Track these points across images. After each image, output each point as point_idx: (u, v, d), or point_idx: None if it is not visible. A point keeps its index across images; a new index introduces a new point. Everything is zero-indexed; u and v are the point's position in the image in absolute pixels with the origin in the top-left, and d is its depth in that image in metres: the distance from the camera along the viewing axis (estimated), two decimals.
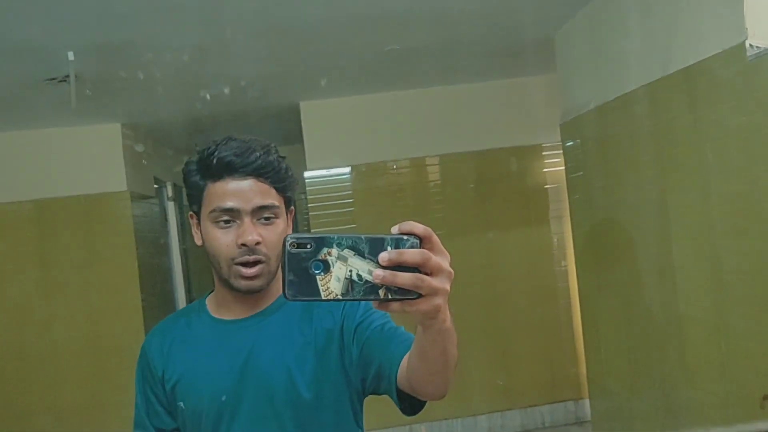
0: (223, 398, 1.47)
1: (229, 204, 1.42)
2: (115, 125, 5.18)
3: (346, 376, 1.48)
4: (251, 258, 1.42)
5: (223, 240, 1.43)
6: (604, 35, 3.52)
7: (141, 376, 1.60)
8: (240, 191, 1.42)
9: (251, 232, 1.41)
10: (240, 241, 1.42)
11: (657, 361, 3.27)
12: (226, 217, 1.43)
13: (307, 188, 5.28)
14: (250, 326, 1.51)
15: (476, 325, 5.21)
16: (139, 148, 5.61)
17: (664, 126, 2.98)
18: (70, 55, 3.33)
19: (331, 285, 0.86)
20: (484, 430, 5.27)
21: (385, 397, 1.41)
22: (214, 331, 1.53)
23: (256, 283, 1.45)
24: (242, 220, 1.43)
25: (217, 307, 1.56)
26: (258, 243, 1.42)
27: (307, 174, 5.25)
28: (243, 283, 1.45)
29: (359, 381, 1.48)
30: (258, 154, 1.44)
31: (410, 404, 1.35)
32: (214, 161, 1.43)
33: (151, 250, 5.71)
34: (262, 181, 1.44)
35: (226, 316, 1.54)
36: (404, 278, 0.86)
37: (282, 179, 1.47)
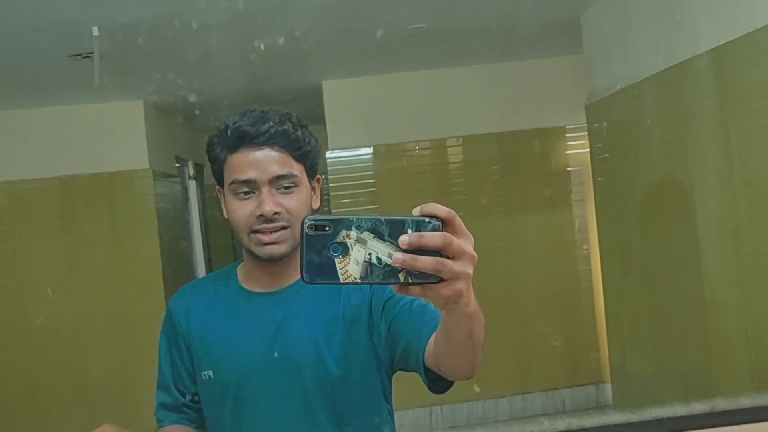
0: (252, 371, 1.46)
1: (246, 175, 1.42)
2: (138, 103, 5.18)
3: (375, 352, 1.47)
4: (269, 226, 1.42)
5: (241, 211, 1.43)
6: (631, 15, 3.47)
7: (165, 338, 1.59)
8: (256, 161, 1.42)
9: (268, 202, 1.41)
10: (258, 212, 1.41)
11: (680, 346, 3.24)
12: (245, 189, 1.43)
13: (329, 168, 5.26)
14: (280, 300, 1.50)
15: (497, 307, 5.18)
16: (162, 126, 5.62)
17: (691, 108, 2.93)
18: (95, 31, 3.32)
19: (350, 268, 0.84)
20: (504, 413, 5.26)
21: (406, 378, 1.40)
22: (244, 303, 1.52)
23: (277, 249, 1.44)
24: (260, 190, 1.42)
25: (246, 277, 1.55)
26: (276, 213, 1.41)
27: (328, 154, 5.24)
28: (263, 249, 1.44)
29: (388, 357, 1.47)
30: (271, 123, 1.43)
31: (438, 383, 1.34)
32: (229, 132, 1.43)
33: (172, 228, 5.74)
34: (278, 150, 1.43)
35: (256, 288, 1.53)
36: (425, 262, 0.83)
37: (298, 147, 1.45)
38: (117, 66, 4.02)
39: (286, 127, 1.45)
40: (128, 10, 3.22)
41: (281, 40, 4.07)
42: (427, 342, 1.29)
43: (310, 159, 1.49)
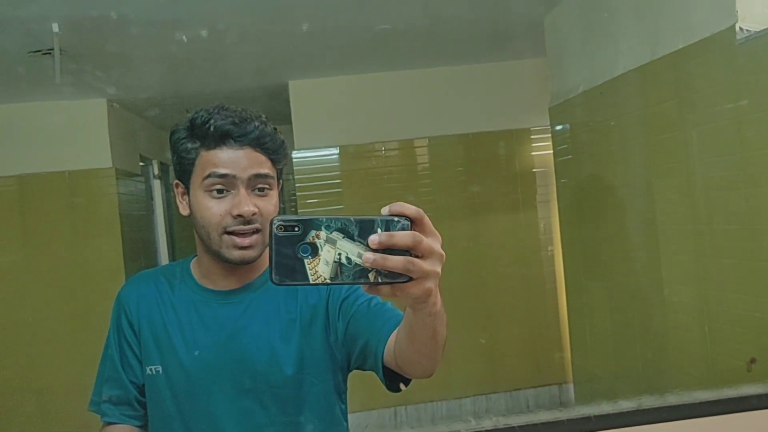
0: (202, 371, 1.45)
1: (225, 170, 1.39)
2: (100, 101, 5.11)
3: (331, 352, 1.46)
4: (247, 228, 1.40)
5: (216, 209, 1.40)
6: (593, 19, 3.50)
7: (116, 328, 1.54)
8: (236, 159, 1.40)
9: (247, 202, 1.39)
10: (236, 212, 1.38)
11: (641, 347, 3.28)
12: (219, 186, 1.39)
13: (295, 168, 5.24)
14: (236, 300, 1.48)
15: (462, 308, 5.21)
16: (125, 124, 5.56)
17: (653, 110, 2.97)
18: (55, 27, 3.27)
19: (320, 268, 0.84)
20: (468, 413, 5.28)
21: (372, 378, 1.39)
22: (199, 300, 1.50)
23: (250, 253, 1.42)
24: (237, 189, 1.39)
25: (201, 275, 1.52)
26: (254, 214, 1.39)
27: (295, 154, 5.22)
28: (236, 253, 1.41)
29: (344, 357, 1.46)
30: (256, 123, 1.42)
31: (395, 381, 1.34)
32: (211, 128, 1.40)
33: (135, 228, 5.68)
34: (258, 151, 1.42)
35: (212, 286, 1.51)
36: (395, 261, 0.83)
37: (277, 150, 1.45)
38: (79, 63, 3.97)
39: (268, 129, 1.44)
40: (90, 6, 3.18)
41: (249, 42, 4.05)
42: (387, 341, 1.29)
43: (283, 164, 1.49)
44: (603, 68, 3.38)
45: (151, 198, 6.47)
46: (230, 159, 1.39)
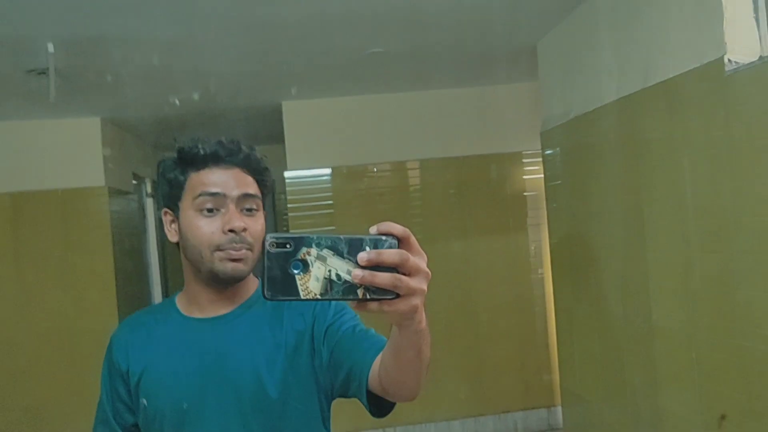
0: (189, 398, 1.46)
1: (215, 189, 1.44)
2: (94, 119, 5.14)
3: (316, 379, 1.48)
4: (237, 244, 1.43)
5: (207, 228, 1.43)
6: (585, 46, 3.55)
7: (107, 371, 1.58)
8: (225, 179, 1.45)
9: (237, 219, 1.43)
10: (228, 227, 1.42)
11: (629, 370, 3.30)
12: (209, 205, 1.43)
13: (287, 188, 5.27)
14: (221, 325, 1.50)
15: (451, 329, 5.22)
16: (119, 143, 5.57)
17: (642, 138, 3.01)
18: (50, 47, 3.30)
19: (310, 285, 0.87)
20: None
21: (356, 400, 1.40)
22: (183, 329, 1.52)
23: (241, 266, 1.44)
24: (227, 207, 1.44)
25: (187, 305, 1.55)
26: (244, 230, 1.43)
27: (287, 174, 5.24)
28: (230, 266, 1.43)
29: (329, 383, 1.47)
30: (243, 147, 1.49)
31: (379, 406, 1.35)
32: (200, 152, 1.46)
33: (128, 245, 5.68)
34: (245, 172, 1.48)
35: (196, 314, 1.53)
36: (383, 278, 0.87)
37: (263, 173, 1.51)
38: (74, 82, 3.99)
39: (255, 153, 1.51)
40: (85, 26, 3.21)
41: (242, 62, 4.09)
42: (371, 366, 1.31)
43: (267, 191, 1.53)
44: (595, 94, 3.42)
45: (144, 216, 6.47)
46: (219, 179, 1.45)
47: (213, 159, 1.46)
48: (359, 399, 1.37)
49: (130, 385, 1.53)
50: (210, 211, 1.44)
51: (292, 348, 1.47)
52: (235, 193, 1.44)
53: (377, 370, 1.28)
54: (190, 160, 1.47)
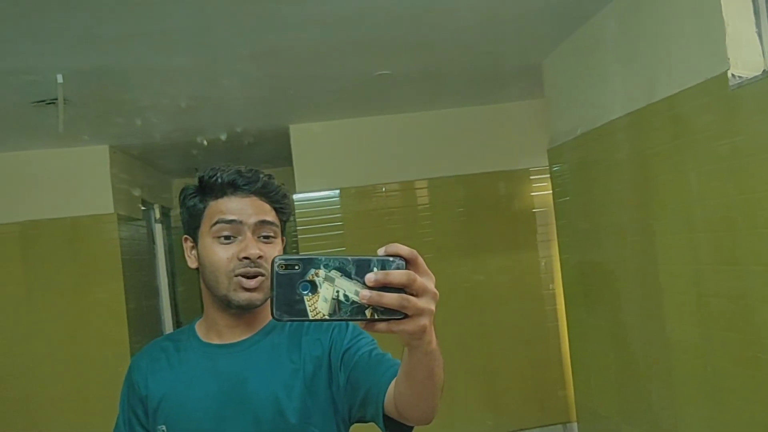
0: (208, 423, 1.46)
1: (232, 216, 1.45)
2: (103, 147, 5.17)
3: (334, 403, 1.47)
4: (252, 270, 1.44)
5: (223, 255, 1.45)
6: (590, 63, 3.56)
7: (126, 397, 1.58)
8: (243, 207, 1.47)
9: (253, 246, 1.44)
10: (243, 255, 1.43)
11: (645, 385, 3.28)
12: (227, 232, 1.45)
13: (297, 210, 5.27)
14: (240, 351, 1.51)
15: (464, 347, 5.20)
16: (127, 170, 5.60)
17: (649, 153, 3.01)
18: (59, 78, 3.33)
19: (319, 305, 0.87)
20: None
21: (373, 425, 1.40)
22: (203, 356, 1.53)
23: (256, 296, 1.46)
24: (244, 234, 1.45)
25: (206, 331, 1.56)
26: (260, 257, 1.44)
27: (296, 196, 5.25)
28: (244, 296, 1.45)
29: (346, 408, 1.47)
30: (261, 176, 1.50)
31: (396, 431, 1.35)
32: (218, 180, 1.48)
33: (137, 272, 5.69)
34: (263, 200, 1.49)
35: (215, 341, 1.54)
36: (390, 299, 0.87)
37: (281, 201, 1.52)
38: (82, 111, 4.02)
39: (273, 181, 1.52)
40: (93, 57, 3.23)
41: (250, 88, 4.11)
42: (387, 389, 1.30)
43: (286, 218, 1.55)
44: (601, 111, 3.43)
45: (153, 242, 6.49)
46: (237, 207, 1.47)
47: (231, 187, 1.47)
48: (376, 423, 1.37)
49: (148, 410, 1.53)
50: (227, 238, 1.45)
51: (310, 374, 1.47)
52: (252, 220, 1.45)
53: (392, 393, 1.28)
54: (210, 189, 1.49)
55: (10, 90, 3.59)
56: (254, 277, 1.44)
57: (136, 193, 5.82)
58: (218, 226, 1.46)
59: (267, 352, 1.50)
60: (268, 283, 1.44)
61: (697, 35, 2.60)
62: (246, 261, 1.43)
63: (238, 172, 1.48)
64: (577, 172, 3.89)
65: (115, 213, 5.16)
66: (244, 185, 1.47)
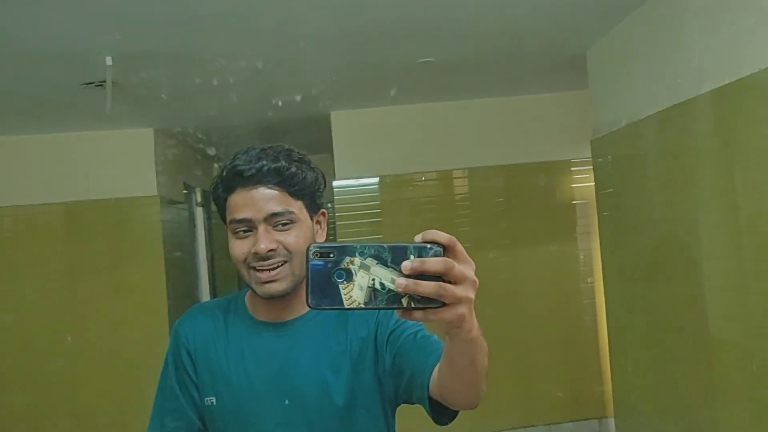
0: (253, 401, 1.47)
1: (242, 215, 1.44)
2: (148, 130, 5.23)
3: (380, 385, 1.48)
4: (265, 264, 1.44)
5: (239, 249, 1.45)
6: (637, 53, 3.51)
7: (173, 361, 1.57)
8: (252, 201, 1.44)
9: (263, 240, 1.42)
10: (254, 250, 1.43)
11: (684, 382, 3.24)
12: (243, 228, 1.45)
13: (335, 198, 5.29)
14: (287, 332, 1.52)
15: (500, 339, 5.17)
16: (170, 153, 5.66)
17: (695, 145, 2.96)
18: (108, 60, 3.37)
19: (354, 294, 0.86)
20: None
21: (415, 409, 1.40)
22: (251, 332, 1.54)
23: (275, 287, 1.45)
24: (257, 228, 1.44)
25: (254, 307, 1.57)
26: (271, 250, 1.43)
27: (335, 183, 5.27)
28: (261, 288, 1.46)
29: (392, 390, 1.48)
30: (265, 161, 1.44)
31: (443, 414, 1.34)
32: (226, 173, 1.47)
33: (178, 254, 5.76)
34: (272, 188, 1.44)
35: (264, 318, 1.54)
36: (427, 287, 0.85)
37: (294, 183, 1.46)
38: (129, 94, 4.07)
39: (280, 164, 1.45)
40: (142, 41, 3.27)
41: (293, 74, 4.13)
42: (432, 372, 1.30)
43: (308, 194, 1.49)
44: (646, 102, 3.38)
45: (194, 225, 6.56)
46: (245, 202, 1.44)
47: (237, 180, 1.45)
48: (422, 405, 1.36)
49: (197, 375, 1.54)
50: (245, 231, 1.45)
51: (356, 355, 1.48)
52: (261, 215, 1.43)
53: (436, 378, 1.27)
54: (225, 182, 1.48)
55: (60, 72, 3.64)
56: (270, 269, 1.44)
57: (179, 176, 5.89)
58: (232, 225, 1.46)
59: (314, 333, 1.51)
60: (291, 270, 1.45)
61: (749, 25, 2.53)
62: (257, 255, 1.43)
63: (244, 162, 1.45)
64: (621, 163, 3.84)
65: (158, 196, 5.22)
66: (248, 177, 1.44)
